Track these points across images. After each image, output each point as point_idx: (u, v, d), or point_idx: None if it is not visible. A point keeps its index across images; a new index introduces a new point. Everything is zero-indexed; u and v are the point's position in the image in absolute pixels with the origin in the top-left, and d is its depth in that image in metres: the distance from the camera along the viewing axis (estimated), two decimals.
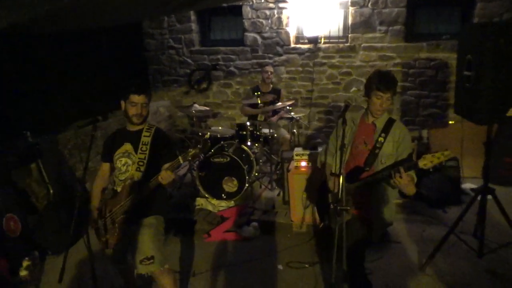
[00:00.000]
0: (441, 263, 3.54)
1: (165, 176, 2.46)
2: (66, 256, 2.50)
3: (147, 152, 2.70)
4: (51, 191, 4.26)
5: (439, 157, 2.25)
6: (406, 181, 2.34)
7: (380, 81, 2.61)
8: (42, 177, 4.25)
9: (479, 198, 3.46)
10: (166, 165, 2.54)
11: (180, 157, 2.41)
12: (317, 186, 3.21)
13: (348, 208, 2.00)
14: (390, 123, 2.75)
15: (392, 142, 2.70)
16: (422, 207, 4.67)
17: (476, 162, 5.40)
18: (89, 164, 2.58)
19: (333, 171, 2.57)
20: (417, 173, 4.79)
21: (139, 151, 2.71)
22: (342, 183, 2.00)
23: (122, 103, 2.72)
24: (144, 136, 2.74)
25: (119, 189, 2.73)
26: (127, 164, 2.74)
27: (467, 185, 5.05)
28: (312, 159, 4.16)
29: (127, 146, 2.77)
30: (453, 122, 5.67)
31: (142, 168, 2.69)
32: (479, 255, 3.54)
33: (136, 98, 2.64)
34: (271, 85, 5.63)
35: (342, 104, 6.23)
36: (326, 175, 2.91)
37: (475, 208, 3.55)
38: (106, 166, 2.93)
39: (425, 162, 2.29)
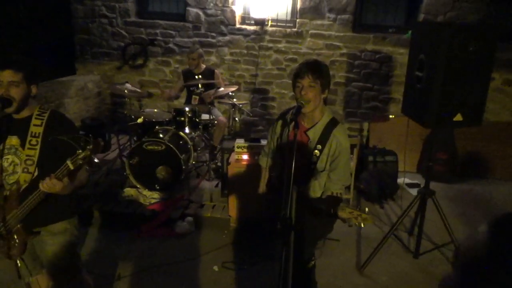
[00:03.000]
0: (378, 262, 3.51)
1: (48, 185, 1.91)
2: None
3: (38, 146, 2.09)
4: None
5: (356, 217, 1.97)
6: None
7: (298, 68, 2.25)
8: None
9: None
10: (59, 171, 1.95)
11: (68, 161, 1.88)
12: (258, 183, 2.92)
13: (296, 228, 1.76)
14: (329, 130, 2.29)
15: (326, 156, 2.30)
16: (360, 201, 4.67)
17: (412, 157, 5.55)
18: None
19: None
20: (359, 165, 4.85)
21: (27, 145, 2.09)
22: (293, 199, 1.75)
23: None
24: (34, 125, 2.10)
25: (8, 194, 2.17)
26: (14, 163, 2.14)
27: (402, 180, 5.12)
28: (254, 152, 3.92)
29: (13, 140, 2.13)
30: (393, 116, 5.73)
31: (31, 169, 2.09)
32: (415, 255, 3.56)
33: (2, 75, 2.00)
34: (203, 66, 5.19)
35: (286, 92, 6.08)
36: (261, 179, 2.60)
37: (409, 202, 3.56)
38: None
39: (344, 216, 2.00)
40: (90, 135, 1.90)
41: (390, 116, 5.75)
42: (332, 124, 2.32)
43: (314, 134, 2.31)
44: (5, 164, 2.15)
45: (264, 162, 2.68)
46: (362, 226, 1.99)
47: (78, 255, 2.44)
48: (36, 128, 2.11)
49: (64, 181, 1.94)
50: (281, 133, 2.41)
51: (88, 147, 1.86)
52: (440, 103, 2.93)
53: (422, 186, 3.52)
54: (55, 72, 5.95)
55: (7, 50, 4.85)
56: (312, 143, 2.30)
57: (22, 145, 2.12)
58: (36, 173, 2.11)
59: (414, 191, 4.78)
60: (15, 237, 2.16)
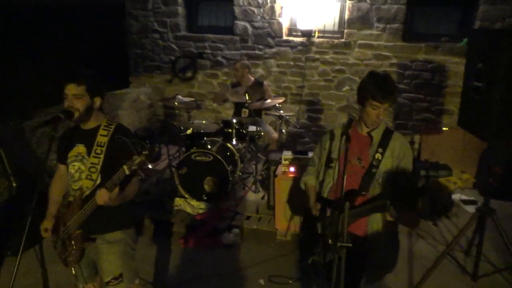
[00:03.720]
0: (432, 284, 3.32)
1: (100, 196, 2.03)
2: (19, 260, 2.13)
3: (102, 155, 2.21)
4: (14, 184, 3.85)
5: (455, 182, 1.96)
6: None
7: (377, 88, 2.15)
8: (4, 168, 3.83)
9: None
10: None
11: (125, 167, 1.98)
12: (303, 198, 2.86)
13: (350, 245, 1.70)
14: (387, 134, 2.32)
15: (391, 158, 2.29)
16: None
17: (468, 172, 5.23)
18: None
19: (319, 194, 2.25)
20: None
21: (93, 154, 2.21)
22: (345, 215, 1.70)
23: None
24: (101, 135, 2.23)
25: (72, 200, 2.31)
26: (80, 170, 2.26)
27: (458, 196, 4.85)
28: (300, 164, 3.88)
29: (80, 148, 2.27)
30: (447, 128, 5.46)
31: (94, 176, 2.21)
32: (473, 277, 3.33)
33: (67, 88, 2.13)
34: (252, 78, 5.24)
35: (333, 104, 5.99)
36: (310, 199, 2.46)
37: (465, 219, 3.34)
38: (63, 168, 2.41)
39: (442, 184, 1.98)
40: (147, 141, 1.99)
41: (444, 129, 5.49)
42: (389, 131, 2.36)
43: (376, 136, 2.31)
44: (72, 170, 2.29)
45: (309, 179, 2.56)
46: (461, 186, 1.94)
47: (133, 266, 2.46)
48: (102, 138, 2.24)
49: (113, 193, 2.04)
50: (330, 147, 2.37)
51: (144, 152, 1.95)
52: (500, 115, 2.74)
53: (479, 203, 3.30)
54: (111, 85, 6.26)
55: (67, 63, 5.16)
56: (373, 147, 2.29)
57: (88, 153, 2.25)
58: (98, 181, 2.23)
59: (470, 208, 4.51)
60: (73, 243, 2.25)
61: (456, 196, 4.77)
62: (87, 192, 2.22)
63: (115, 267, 2.31)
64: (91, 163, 2.22)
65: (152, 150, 1.99)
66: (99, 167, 2.21)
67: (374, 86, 2.17)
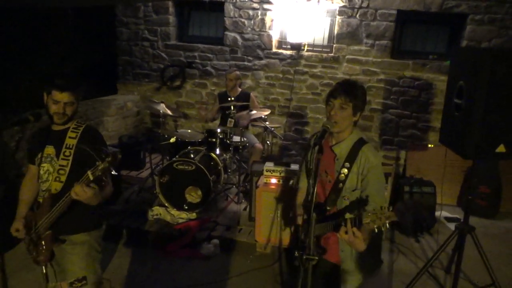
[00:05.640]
0: None
1: (79, 191, 2.01)
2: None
3: (71, 157, 2.23)
4: None
5: (380, 217, 1.75)
6: (350, 238, 1.83)
7: (335, 86, 2.16)
8: None
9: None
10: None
11: (89, 172, 1.99)
12: (287, 208, 2.81)
13: (316, 258, 1.65)
14: (358, 146, 2.15)
15: (356, 175, 2.13)
16: (394, 233, 4.43)
17: (452, 189, 5.25)
18: None
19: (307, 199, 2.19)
20: (393, 196, 4.64)
21: (61, 156, 2.24)
22: (312, 226, 1.66)
23: (44, 96, 2.25)
24: (69, 137, 2.26)
25: (41, 201, 2.33)
26: (49, 171, 2.28)
27: (441, 213, 4.83)
28: (283, 176, 3.84)
29: (49, 149, 2.29)
30: (432, 145, 5.48)
31: (63, 178, 2.23)
32: None
33: (59, 96, 2.19)
34: (239, 89, 5.26)
35: (321, 117, 5.99)
36: (297, 203, 2.39)
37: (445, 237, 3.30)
38: (33, 168, 2.42)
39: (368, 221, 1.78)
40: (109, 148, 1.99)
41: (429, 145, 5.51)
42: (360, 143, 2.18)
43: (341, 151, 2.18)
44: (41, 172, 2.30)
45: (303, 182, 2.43)
46: (387, 226, 1.75)
47: (97, 269, 2.44)
48: (71, 140, 2.26)
49: (94, 188, 2.05)
50: (305, 156, 2.30)
51: (107, 159, 1.95)
52: (481, 133, 2.74)
53: (461, 220, 3.28)
54: (98, 91, 6.22)
55: (57, 68, 5.12)
56: (339, 161, 2.17)
57: (57, 155, 2.26)
58: (66, 183, 2.22)
59: (453, 226, 4.49)
60: (43, 243, 2.26)
61: (438, 213, 4.76)
62: (55, 193, 2.22)
63: (78, 269, 2.31)
64: (60, 165, 2.23)
65: (116, 157, 1.98)
66: (67, 169, 2.23)
67: (334, 86, 2.18)
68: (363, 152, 2.13)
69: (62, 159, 2.23)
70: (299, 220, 2.21)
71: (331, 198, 2.14)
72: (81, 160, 2.19)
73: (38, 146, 2.33)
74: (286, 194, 3.72)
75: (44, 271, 2.37)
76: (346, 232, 1.83)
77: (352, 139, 2.18)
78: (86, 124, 2.36)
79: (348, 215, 1.97)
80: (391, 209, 1.77)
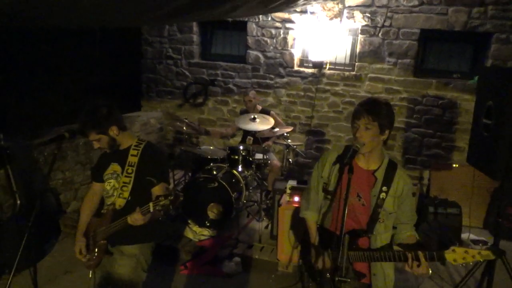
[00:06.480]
0: None
1: (135, 220, 2.14)
2: (10, 280, 2.11)
3: (133, 175, 2.32)
4: (18, 201, 3.86)
5: (474, 255, 1.74)
6: (424, 271, 1.87)
7: (357, 106, 2.09)
8: (10, 186, 3.86)
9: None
10: (140, 208, 2.17)
11: (151, 204, 2.07)
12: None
13: (349, 280, 1.64)
14: (391, 169, 2.12)
15: (393, 198, 2.10)
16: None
17: (477, 210, 5.11)
18: (66, 174, 2.27)
19: (320, 225, 2.17)
20: (417, 216, 4.55)
21: (125, 173, 2.34)
22: (344, 247, 1.64)
23: None
24: (131, 155, 2.36)
25: (105, 212, 2.46)
26: (114, 187, 2.39)
27: (467, 235, 4.71)
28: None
29: (115, 166, 2.41)
30: (457, 165, 5.37)
31: (126, 195, 2.33)
32: None
33: (87, 137, 2.33)
34: (259, 107, 5.31)
35: (342, 135, 5.97)
36: (311, 236, 2.30)
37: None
38: (96, 186, 2.54)
39: (455, 257, 1.78)
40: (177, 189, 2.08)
41: (454, 165, 5.40)
42: (393, 165, 2.16)
43: (380, 176, 2.13)
44: (107, 187, 2.42)
45: (311, 215, 2.36)
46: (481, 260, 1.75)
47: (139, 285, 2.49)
48: (133, 158, 2.36)
49: (146, 217, 2.14)
50: (329, 177, 2.20)
51: (170, 197, 2.02)
52: (510, 153, 2.69)
53: (489, 243, 3.19)
54: (123, 108, 6.35)
55: (82, 86, 5.28)
56: (378, 185, 2.12)
57: (122, 172, 2.37)
58: (129, 199, 2.33)
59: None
60: (96, 250, 2.38)
61: (465, 236, 4.63)
62: (119, 208, 2.35)
63: (123, 281, 2.37)
64: (123, 182, 2.33)
65: (177, 199, 2.05)
66: (130, 186, 2.32)
67: (356, 107, 2.12)
68: (400, 175, 2.11)
69: (125, 176, 2.33)
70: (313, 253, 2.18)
71: (371, 223, 2.10)
72: (143, 179, 2.29)
73: (104, 165, 2.45)
74: None
75: (90, 275, 2.48)
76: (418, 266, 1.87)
77: (386, 162, 2.15)
78: (146, 142, 2.45)
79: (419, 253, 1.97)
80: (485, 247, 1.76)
